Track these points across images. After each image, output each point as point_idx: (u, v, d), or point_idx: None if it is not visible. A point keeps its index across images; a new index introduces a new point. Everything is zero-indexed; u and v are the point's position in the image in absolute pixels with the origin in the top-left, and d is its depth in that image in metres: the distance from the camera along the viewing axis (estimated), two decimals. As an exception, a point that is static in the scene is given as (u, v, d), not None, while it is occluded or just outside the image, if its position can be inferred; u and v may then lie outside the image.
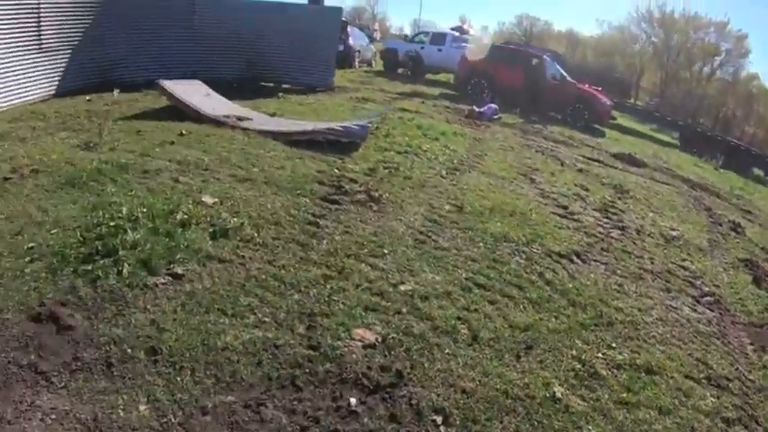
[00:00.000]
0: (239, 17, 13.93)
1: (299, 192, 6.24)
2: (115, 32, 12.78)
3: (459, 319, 4.37)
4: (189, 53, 13.75)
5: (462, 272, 5.10)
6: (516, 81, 17.53)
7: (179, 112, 9.00)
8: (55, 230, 5.05)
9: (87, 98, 10.89)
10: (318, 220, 5.65)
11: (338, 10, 16.76)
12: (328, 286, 4.50)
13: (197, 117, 8.69)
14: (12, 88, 10.79)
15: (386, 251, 5.21)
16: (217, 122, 8.44)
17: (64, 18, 11.72)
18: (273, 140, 7.89)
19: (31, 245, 4.82)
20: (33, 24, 11.11)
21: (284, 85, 14.10)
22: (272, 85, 14.13)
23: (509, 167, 9.27)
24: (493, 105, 14.78)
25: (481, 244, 5.77)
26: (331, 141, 7.95)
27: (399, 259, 5.11)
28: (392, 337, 3.99)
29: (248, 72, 14.07)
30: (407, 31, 63.77)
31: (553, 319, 4.69)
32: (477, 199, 7.10)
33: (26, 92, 11.07)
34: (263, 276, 4.52)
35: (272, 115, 9.76)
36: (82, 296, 4.15)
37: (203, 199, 5.58)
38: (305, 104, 11.53)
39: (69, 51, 11.90)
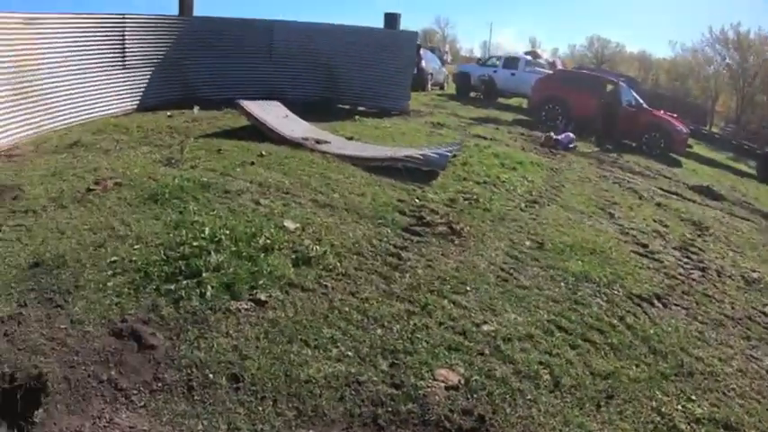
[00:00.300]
0: (316, 40, 14.29)
1: (380, 221, 6.23)
2: (196, 53, 13.45)
3: (540, 363, 4.23)
4: (267, 74, 14.25)
5: (544, 313, 4.94)
6: (591, 108, 17.14)
7: (258, 132, 9.17)
8: (138, 246, 5.18)
9: (168, 114, 11.25)
10: (401, 252, 5.61)
11: (414, 34, 16.87)
12: (411, 322, 4.44)
13: (276, 138, 8.82)
14: (97, 102, 11.34)
15: (468, 288, 5.11)
16: (295, 144, 8.54)
17: (147, 38, 12.42)
18: (352, 165, 7.93)
19: (113, 258, 4.95)
20: (118, 43, 11.77)
21: (360, 108, 14.24)
22: (348, 107, 14.31)
23: (587, 201, 9.02)
24: (570, 134, 14.47)
25: (562, 284, 5.59)
26: (410, 169, 7.90)
27: (482, 297, 5.00)
28: (475, 380, 3.89)
29: (324, 94, 14.34)
30: (477, 53, 63.51)
31: (634, 368, 4.48)
32: (558, 235, 6.91)
33: (110, 106, 11.64)
34: (346, 308, 4.50)
35: (350, 139, 9.84)
36: (164, 316, 4.22)
37: (285, 224, 5.63)
38: (381, 128, 11.57)
39: (151, 69, 12.55)
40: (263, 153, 8.05)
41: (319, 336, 4.13)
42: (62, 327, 4.15)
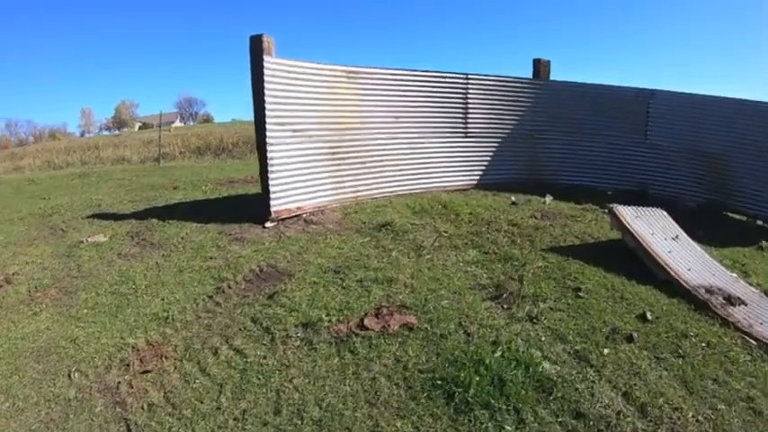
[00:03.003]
0: (703, 123, 9.90)
1: None
2: (550, 125, 10.46)
3: None
4: (636, 162, 10.41)
5: None
6: None
7: (634, 257, 5.83)
8: None
9: (512, 200, 8.50)
10: None
11: None
12: None
13: (662, 277, 5.39)
14: (429, 172, 9.49)
15: None
16: (695, 300, 4.94)
17: (493, 103, 9.99)
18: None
19: None
20: (460, 107, 9.69)
21: (758, 222, 9.38)
22: (740, 218, 9.55)
23: None
24: None
25: None
26: None
27: None
28: None
29: (709, 195, 9.84)
30: None
31: None
32: None
33: (444, 178, 9.61)
34: None
35: (768, 294, 5.69)
36: None
37: None
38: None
39: (497, 140, 10.09)
40: (647, 315, 4.59)
41: None
42: None
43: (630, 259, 5.83)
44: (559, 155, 10.44)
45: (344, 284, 5.22)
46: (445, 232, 6.76)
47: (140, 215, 8.65)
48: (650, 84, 12.01)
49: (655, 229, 6.29)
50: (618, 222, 6.21)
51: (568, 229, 7.02)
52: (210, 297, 5.27)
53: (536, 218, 7.46)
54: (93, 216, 8.83)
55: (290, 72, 7.56)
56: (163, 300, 5.29)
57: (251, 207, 8.10)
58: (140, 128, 63.02)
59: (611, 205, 6.42)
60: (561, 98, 10.34)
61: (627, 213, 6.34)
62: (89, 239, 7.37)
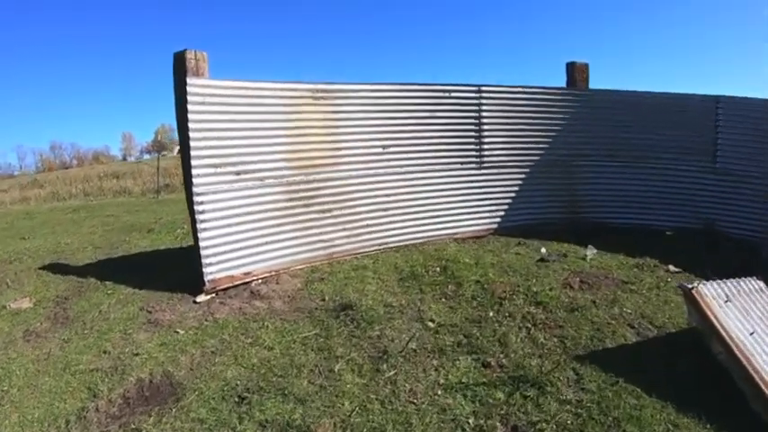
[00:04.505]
0: None
1: None
2: (591, 151, 8.03)
3: None
4: (702, 192, 7.93)
5: None
6: None
7: (720, 368, 3.66)
8: None
9: (541, 252, 6.34)
10: None
11: None
12: None
13: (763, 406, 3.25)
14: (433, 216, 7.33)
15: None
16: None
17: (513, 126, 7.68)
18: None
19: None
20: (472, 130, 7.48)
21: None
22: None
23: None
24: None
25: None
26: None
27: None
28: None
29: None
30: None
31: None
32: None
33: (457, 222, 7.44)
34: None
35: None
36: None
37: None
38: None
39: (521, 172, 7.77)
40: None
41: None
42: None
43: (715, 377, 3.64)
44: (603, 186, 8.04)
45: (239, 429, 3.24)
46: (431, 321, 4.64)
47: (86, 271, 7.24)
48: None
49: (754, 322, 4.00)
50: (700, 315, 3.95)
51: (618, 310, 4.78)
52: (68, 424, 3.71)
53: (572, 287, 5.26)
54: (46, 267, 7.61)
55: (228, 96, 5.69)
56: (19, 417, 3.88)
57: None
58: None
59: (690, 286, 4.13)
60: (604, 112, 7.94)
61: (712, 297, 4.07)
62: (12, 305, 6.19)
